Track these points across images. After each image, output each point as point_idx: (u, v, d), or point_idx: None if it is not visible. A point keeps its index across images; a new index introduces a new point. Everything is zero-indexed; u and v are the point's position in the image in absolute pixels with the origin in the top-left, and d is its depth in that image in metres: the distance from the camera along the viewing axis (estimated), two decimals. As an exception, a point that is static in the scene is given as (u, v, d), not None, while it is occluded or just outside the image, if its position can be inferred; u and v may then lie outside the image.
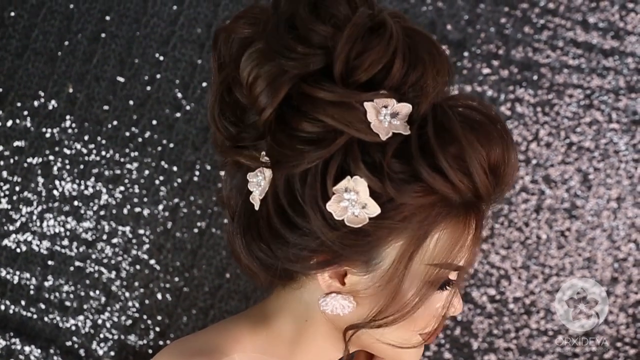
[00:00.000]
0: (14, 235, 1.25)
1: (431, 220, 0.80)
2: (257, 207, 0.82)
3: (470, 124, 0.79)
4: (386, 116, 0.77)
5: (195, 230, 1.25)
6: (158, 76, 1.24)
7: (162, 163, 1.25)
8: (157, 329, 1.26)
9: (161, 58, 1.24)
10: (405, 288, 0.82)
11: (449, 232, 0.81)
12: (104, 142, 1.24)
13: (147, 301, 1.25)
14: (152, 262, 1.25)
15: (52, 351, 1.25)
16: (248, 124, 0.82)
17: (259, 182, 0.81)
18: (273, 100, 0.77)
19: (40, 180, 1.24)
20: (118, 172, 1.25)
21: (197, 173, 1.25)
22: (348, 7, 0.79)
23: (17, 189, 1.24)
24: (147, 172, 1.25)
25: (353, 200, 0.76)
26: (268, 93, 0.78)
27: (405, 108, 0.78)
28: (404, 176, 0.77)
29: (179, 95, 1.24)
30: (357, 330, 0.84)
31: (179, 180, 1.25)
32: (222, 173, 1.22)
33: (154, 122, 1.24)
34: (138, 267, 1.25)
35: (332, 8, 0.78)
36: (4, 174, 1.24)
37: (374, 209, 0.77)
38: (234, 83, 0.82)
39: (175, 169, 1.25)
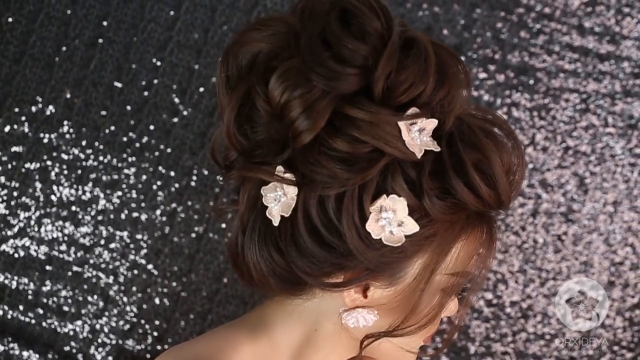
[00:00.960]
0: (12, 241, 1.25)
1: (455, 234, 0.80)
2: (275, 223, 0.79)
3: (486, 134, 0.80)
4: (416, 133, 0.76)
5: (193, 235, 1.25)
6: (155, 81, 1.24)
7: (160, 168, 1.25)
8: (155, 333, 1.26)
9: (158, 63, 1.24)
10: (425, 299, 0.82)
11: (468, 242, 0.82)
12: (101, 147, 1.24)
13: (145, 306, 1.25)
14: (150, 267, 1.25)
15: (50, 356, 1.25)
16: (262, 138, 0.80)
17: (276, 198, 0.79)
18: (315, 125, 0.75)
19: (38, 185, 1.25)
20: (115, 177, 1.25)
21: (194, 178, 1.25)
22: (379, 22, 0.76)
23: (15, 194, 1.24)
24: (144, 177, 1.25)
25: (390, 219, 0.76)
26: (308, 117, 0.75)
27: (432, 124, 0.77)
28: (437, 192, 0.77)
29: (176, 100, 1.24)
30: (375, 339, 0.83)
31: (177, 185, 1.25)
32: (220, 178, 1.23)
33: (152, 127, 1.24)
34: (136, 272, 1.25)
35: (365, 24, 0.76)
36: (2, 179, 1.24)
37: (413, 227, 0.77)
38: (257, 99, 0.78)
39: (172, 174, 1.25)
